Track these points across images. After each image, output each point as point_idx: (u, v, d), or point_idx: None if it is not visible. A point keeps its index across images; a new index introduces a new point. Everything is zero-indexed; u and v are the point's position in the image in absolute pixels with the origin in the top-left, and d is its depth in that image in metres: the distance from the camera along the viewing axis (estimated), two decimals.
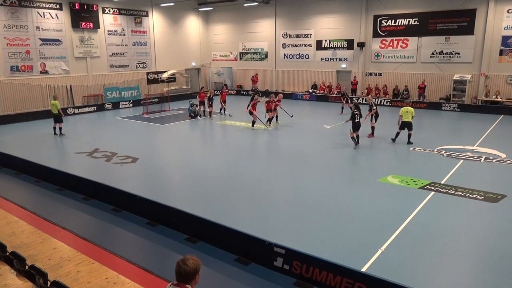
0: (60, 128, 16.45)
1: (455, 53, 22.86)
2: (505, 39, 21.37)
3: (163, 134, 17.33)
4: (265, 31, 29.97)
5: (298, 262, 5.90)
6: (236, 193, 9.91)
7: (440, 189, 9.68)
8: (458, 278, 6.16)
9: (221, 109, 21.44)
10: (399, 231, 7.47)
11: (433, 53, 23.53)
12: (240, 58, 31.78)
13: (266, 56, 30.36)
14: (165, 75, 27.49)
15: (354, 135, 13.87)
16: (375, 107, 15.36)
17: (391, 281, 5.17)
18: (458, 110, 22.08)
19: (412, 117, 14.13)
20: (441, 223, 7.88)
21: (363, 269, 6.03)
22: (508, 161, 12.05)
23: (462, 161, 12.11)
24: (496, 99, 21.73)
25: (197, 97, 21.23)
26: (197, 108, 20.41)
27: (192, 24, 31.33)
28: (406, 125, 14.19)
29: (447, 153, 12.99)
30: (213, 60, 33.09)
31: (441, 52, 23.30)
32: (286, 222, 8.16)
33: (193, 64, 31.43)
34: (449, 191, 9.51)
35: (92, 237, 7.19)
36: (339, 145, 14.51)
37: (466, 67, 22.69)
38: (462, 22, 22.38)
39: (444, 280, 6.03)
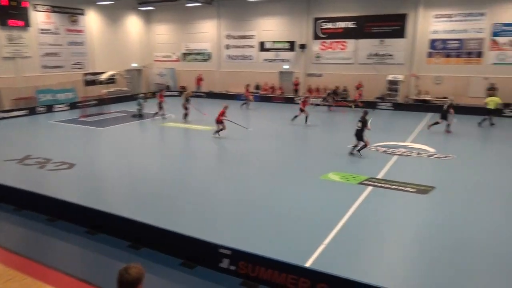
0: None
1: (389, 55, 24.27)
2: (432, 42, 23.07)
3: (103, 138, 16.58)
4: (208, 32, 29.79)
5: (244, 262, 5.93)
6: (179, 196, 9.74)
7: (377, 183, 10.23)
8: (397, 267, 6.54)
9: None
10: (340, 225, 7.78)
11: (369, 55, 24.80)
12: (184, 59, 31.30)
13: (210, 57, 30.18)
14: (104, 76, 26.27)
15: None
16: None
17: (335, 274, 5.36)
18: (393, 108, 23.45)
19: (497, 104, 17.51)
20: (379, 216, 8.34)
21: (307, 265, 6.20)
22: (436, 156, 13.02)
23: (396, 156, 12.89)
24: (425, 98, 23.37)
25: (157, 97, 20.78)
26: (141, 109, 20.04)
27: (133, 23, 30.33)
28: (489, 112, 17.38)
29: (383, 149, 13.75)
30: (155, 60, 32.26)
31: (376, 54, 24.61)
32: (231, 223, 8.17)
33: (134, 64, 30.41)
34: (384, 185, 10.09)
35: (24, 251, 6.70)
36: (283, 145, 14.79)
37: (399, 68, 24.15)
38: (395, 26, 23.82)
39: (384, 270, 6.38)
